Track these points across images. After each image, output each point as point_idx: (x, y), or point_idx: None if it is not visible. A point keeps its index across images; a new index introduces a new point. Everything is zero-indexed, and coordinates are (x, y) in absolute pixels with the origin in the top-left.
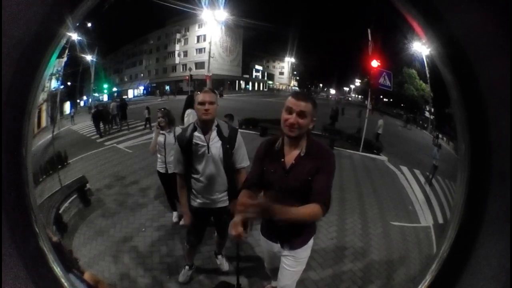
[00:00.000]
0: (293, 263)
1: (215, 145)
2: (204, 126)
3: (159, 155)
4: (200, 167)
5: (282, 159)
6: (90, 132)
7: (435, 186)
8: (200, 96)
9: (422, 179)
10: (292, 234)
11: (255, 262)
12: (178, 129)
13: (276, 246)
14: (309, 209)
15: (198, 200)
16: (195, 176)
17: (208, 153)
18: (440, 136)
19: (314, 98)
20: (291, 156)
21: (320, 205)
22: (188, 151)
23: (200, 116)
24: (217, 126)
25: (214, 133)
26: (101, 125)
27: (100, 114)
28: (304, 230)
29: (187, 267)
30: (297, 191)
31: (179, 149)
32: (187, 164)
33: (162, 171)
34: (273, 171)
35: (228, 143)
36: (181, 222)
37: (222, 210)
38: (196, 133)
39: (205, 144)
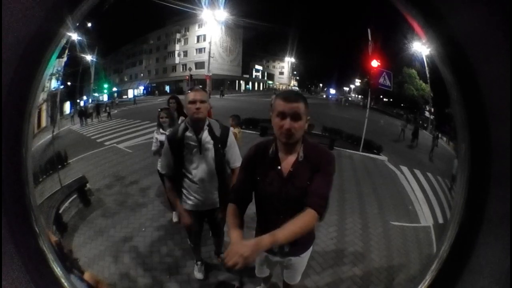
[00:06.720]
0: (295, 267)
1: (207, 145)
2: (196, 125)
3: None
4: (192, 168)
5: (279, 167)
6: (90, 132)
7: (435, 186)
8: (190, 95)
9: (422, 179)
10: (292, 246)
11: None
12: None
13: (275, 257)
14: (302, 221)
15: (190, 202)
16: (187, 177)
17: (200, 153)
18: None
19: (304, 96)
20: (287, 162)
21: (314, 209)
22: (180, 151)
23: (192, 115)
24: (209, 125)
25: (205, 133)
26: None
27: (81, 112)
28: (303, 240)
29: (199, 263)
30: (298, 200)
31: (168, 150)
32: (178, 165)
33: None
34: (268, 181)
35: (220, 142)
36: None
37: (213, 211)
38: (187, 133)
39: (197, 144)
